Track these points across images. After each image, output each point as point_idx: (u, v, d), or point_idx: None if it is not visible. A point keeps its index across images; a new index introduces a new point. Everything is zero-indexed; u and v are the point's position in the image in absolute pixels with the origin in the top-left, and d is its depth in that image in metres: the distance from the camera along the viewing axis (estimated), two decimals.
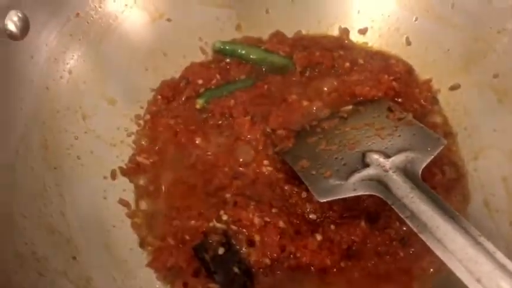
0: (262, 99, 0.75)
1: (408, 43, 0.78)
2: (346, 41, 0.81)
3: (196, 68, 0.78)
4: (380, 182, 0.59)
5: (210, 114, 0.74)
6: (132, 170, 0.70)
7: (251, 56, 0.79)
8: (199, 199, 0.68)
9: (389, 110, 0.70)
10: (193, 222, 0.66)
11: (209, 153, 0.71)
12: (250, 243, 0.64)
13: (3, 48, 0.60)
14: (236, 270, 0.62)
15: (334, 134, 0.69)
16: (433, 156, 0.61)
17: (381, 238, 0.64)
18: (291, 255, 0.63)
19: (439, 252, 0.50)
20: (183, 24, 0.78)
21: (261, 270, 0.63)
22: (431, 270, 0.62)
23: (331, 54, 0.78)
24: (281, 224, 0.64)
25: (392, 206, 0.56)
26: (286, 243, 0.63)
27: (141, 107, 0.75)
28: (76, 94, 0.69)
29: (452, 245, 0.49)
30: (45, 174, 0.62)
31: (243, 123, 0.72)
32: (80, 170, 0.66)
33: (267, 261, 0.63)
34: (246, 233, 0.64)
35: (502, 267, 0.46)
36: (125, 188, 0.69)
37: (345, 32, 0.81)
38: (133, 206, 0.68)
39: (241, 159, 0.70)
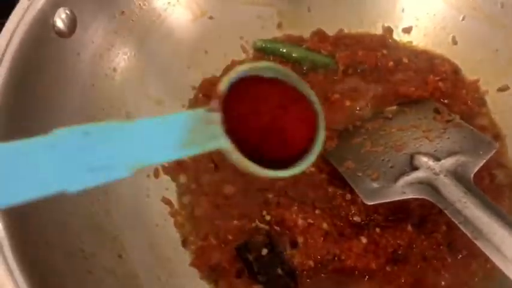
0: None
1: (454, 42, 0.76)
2: (389, 40, 0.79)
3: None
4: (430, 186, 0.58)
5: None
6: (174, 169, 0.70)
7: (292, 55, 0.78)
8: (241, 199, 0.68)
9: (436, 111, 0.69)
10: (235, 222, 0.65)
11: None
12: (294, 244, 0.63)
13: (52, 46, 0.60)
14: (280, 271, 0.62)
15: (379, 135, 0.68)
16: (485, 160, 0.60)
17: (428, 242, 0.63)
18: (336, 258, 0.62)
19: (496, 260, 0.48)
20: (225, 23, 0.77)
21: (305, 272, 0.62)
22: (481, 275, 0.61)
23: (374, 54, 0.77)
24: (325, 225, 0.63)
25: (445, 211, 0.55)
26: (330, 246, 0.62)
27: (183, 105, 0.74)
28: (120, 92, 0.69)
29: (511, 253, 0.48)
30: None
31: None
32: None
33: (311, 263, 0.62)
34: (289, 234, 0.64)
35: None
36: (168, 187, 0.69)
37: (389, 30, 0.80)
38: (175, 205, 0.68)
39: None
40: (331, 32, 0.80)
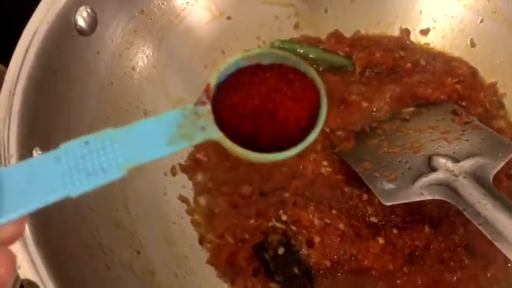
0: None
1: (473, 45, 0.76)
2: (407, 42, 0.79)
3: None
4: (449, 187, 0.58)
5: None
6: (191, 167, 0.70)
7: (309, 56, 0.78)
8: (258, 198, 0.68)
9: (455, 113, 0.68)
10: (252, 221, 0.66)
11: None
12: (310, 244, 0.63)
13: (73, 43, 0.60)
14: (296, 271, 0.62)
15: (396, 136, 0.68)
16: (504, 162, 0.59)
17: (445, 244, 0.63)
18: (352, 258, 0.62)
19: None
20: (243, 23, 0.78)
21: (321, 272, 0.62)
22: (500, 278, 0.60)
23: (391, 55, 0.76)
24: (341, 226, 0.63)
25: (464, 213, 0.55)
26: (346, 246, 0.62)
27: None
28: (139, 90, 0.69)
29: None
30: None
31: None
32: (141, 165, 0.67)
33: (327, 263, 0.62)
34: (306, 234, 0.64)
35: None
36: (185, 185, 0.69)
37: (406, 32, 0.79)
38: (192, 203, 0.68)
39: None
40: (348, 33, 0.80)
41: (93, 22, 0.62)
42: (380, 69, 0.76)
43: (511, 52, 0.73)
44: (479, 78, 0.75)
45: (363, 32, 0.80)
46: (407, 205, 0.63)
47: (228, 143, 0.34)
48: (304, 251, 0.63)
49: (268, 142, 0.36)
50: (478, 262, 0.62)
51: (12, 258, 0.30)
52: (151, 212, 0.64)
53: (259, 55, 0.37)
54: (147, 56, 0.71)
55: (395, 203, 0.60)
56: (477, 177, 0.57)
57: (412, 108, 0.71)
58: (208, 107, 0.35)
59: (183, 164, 0.70)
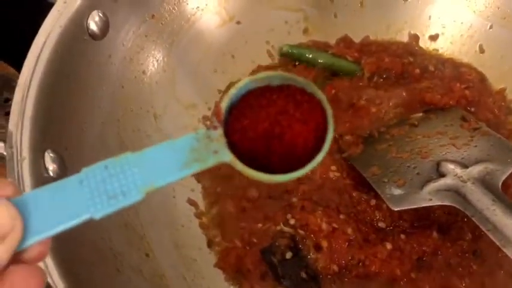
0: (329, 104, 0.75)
1: (482, 51, 0.76)
2: (415, 48, 0.79)
3: (263, 71, 0.78)
4: (457, 193, 0.58)
5: None
6: (200, 171, 0.70)
7: (318, 60, 0.78)
8: (266, 202, 0.68)
9: (463, 119, 0.69)
10: (260, 225, 0.66)
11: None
12: (318, 248, 0.63)
13: (85, 47, 0.61)
14: (304, 275, 0.62)
15: (405, 142, 0.68)
16: None
17: (453, 250, 0.63)
18: (360, 263, 0.62)
19: None
20: (252, 28, 0.78)
21: (329, 276, 0.62)
22: (508, 284, 0.60)
23: (400, 61, 0.77)
24: (349, 230, 0.64)
25: (472, 218, 0.55)
26: (354, 251, 0.62)
27: (209, 108, 0.75)
28: (149, 94, 0.70)
29: None
30: None
31: None
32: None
33: (335, 267, 0.62)
34: (314, 238, 0.64)
35: None
36: (193, 188, 0.69)
37: (415, 38, 0.80)
38: (201, 206, 0.69)
39: None
40: (357, 38, 0.80)
41: (105, 26, 0.63)
42: (389, 75, 0.77)
43: None
44: (488, 84, 0.75)
45: (372, 37, 0.81)
46: (415, 210, 0.63)
47: (239, 166, 0.36)
48: (311, 255, 0.63)
49: (278, 163, 0.37)
50: (486, 268, 0.61)
51: (42, 275, 0.31)
52: (160, 215, 0.65)
53: (268, 78, 0.38)
54: (157, 60, 0.71)
55: (404, 208, 0.60)
56: (486, 183, 0.57)
57: (420, 114, 0.71)
58: (220, 131, 0.36)
59: None
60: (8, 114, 0.66)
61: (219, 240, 0.66)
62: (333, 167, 0.69)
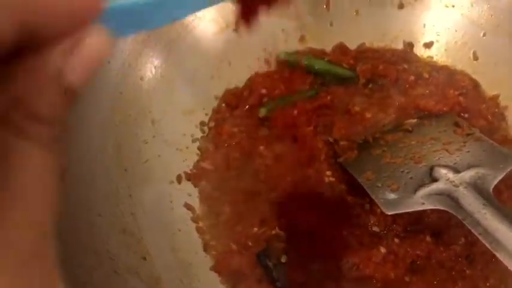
0: (325, 110, 0.76)
1: (475, 58, 0.77)
2: (410, 55, 0.80)
3: (260, 78, 0.79)
4: (449, 197, 0.59)
5: (272, 123, 0.75)
6: (196, 175, 0.72)
7: (315, 67, 0.79)
8: (262, 206, 0.69)
9: (457, 125, 0.69)
10: (256, 229, 0.67)
11: (272, 161, 0.72)
12: (312, 252, 0.64)
13: None
14: (299, 278, 0.63)
15: (399, 147, 0.69)
16: (504, 173, 0.60)
17: (446, 254, 0.63)
18: (354, 267, 0.63)
19: None
20: (249, 35, 0.79)
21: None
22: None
23: (395, 68, 0.78)
24: (344, 234, 0.64)
25: (464, 222, 0.55)
26: (349, 255, 0.63)
27: (206, 114, 0.76)
28: (147, 99, 0.71)
29: None
30: (118, 176, 0.64)
31: (305, 133, 0.73)
32: (148, 173, 0.68)
33: (330, 271, 0.63)
34: (308, 242, 0.65)
35: None
36: (190, 193, 0.70)
37: (410, 45, 0.81)
38: (197, 211, 0.69)
39: None
40: (352, 46, 0.82)
41: None
42: (383, 81, 0.78)
43: None
44: (482, 90, 0.76)
45: (367, 44, 0.82)
46: (409, 215, 0.64)
47: None
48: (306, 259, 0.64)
49: None
50: (479, 272, 0.62)
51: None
52: (157, 219, 0.66)
53: None
54: (155, 67, 0.72)
55: (397, 212, 0.61)
56: (477, 188, 0.58)
57: (414, 120, 0.72)
58: None
59: (189, 172, 0.72)
60: None
61: (215, 244, 0.67)
62: (328, 172, 0.70)
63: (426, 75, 0.77)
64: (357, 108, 0.75)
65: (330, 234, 0.65)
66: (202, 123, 0.76)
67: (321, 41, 0.82)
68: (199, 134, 0.75)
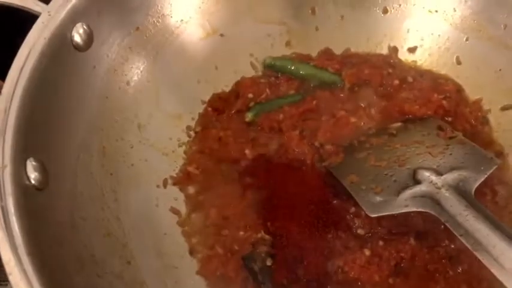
0: (310, 114, 0.76)
1: (458, 62, 0.79)
2: (395, 60, 0.81)
3: (246, 82, 0.79)
4: (432, 200, 0.60)
5: (259, 128, 0.76)
6: (182, 180, 0.72)
7: (300, 72, 0.80)
8: (247, 211, 0.69)
9: (440, 128, 0.70)
10: (241, 233, 0.67)
11: (257, 165, 0.72)
12: (298, 256, 0.64)
13: (69, 59, 0.62)
14: (284, 281, 0.63)
15: (383, 150, 0.70)
16: (486, 176, 0.61)
17: (430, 256, 0.64)
18: (339, 270, 0.63)
19: (495, 271, 0.50)
20: (235, 40, 0.80)
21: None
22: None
23: (380, 72, 0.78)
24: (329, 237, 0.65)
25: (446, 224, 0.56)
26: (334, 257, 0.64)
27: (193, 119, 0.77)
28: (133, 104, 0.71)
29: (509, 264, 0.49)
30: (103, 180, 0.64)
31: (291, 138, 0.73)
32: (134, 177, 0.68)
33: (315, 274, 0.63)
34: (294, 246, 0.65)
35: None
36: (176, 197, 0.71)
37: (394, 50, 0.82)
38: (183, 215, 0.70)
39: None
40: (338, 50, 0.82)
41: (89, 38, 0.64)
42: (369, 86, 0.78)
43: (496, 70, 0.75)
44: (465, 94, 0.77)
45: (352, 49, 0.83)
46: (394, 218, 0.65)
47: None
48: (292, 262, 0.64)
49: None
50: (461, 273, 0.63)
51: None
52: (143, 223, 0.66)
53: None
54: (141, 72, 0.73)
55: (380, 214, 0.61)
56: (459, 190, 0.59)
57: (399, 124, 0.73)
58: None
59: (175, 176, 0.72)
60: None
61: (201, 248, 0.67)
62: (314, 176, 0.71)
63: (410, 79, 0.78)
64: (342, 113, 0.76)
65: (315, 237, 0.65)
66: (188, 128, 0.76)
67: (306, 45, 0.83)
68: (185, 139, 0.75)
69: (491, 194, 0.68)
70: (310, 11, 0.82)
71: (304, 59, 0.82)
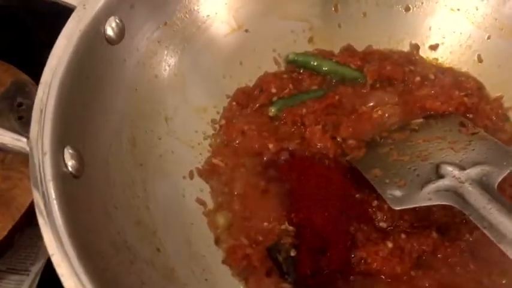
0: (333, 109, 0.78)
1: (480, 60, 0.80)
2: (416, 57, 0.82)
3: (270, 78, 0.81)
4: (455, 193, 0.61)
5: (282, 122, 0.77)
6: (208, 172, 0.73)
7: (323, 68, 0.81)
8: (271, 202, 0.71)
9: (462, 124, 0.71)
10: (266, 224, 0.69)
11: (281, 159, 0.74)
12: (321, 247, 0.66)
13: (102, 51, 0.64)
14: (308, 272, 0.64)
15: (406, 146, 0.71)
16: (509, 170, 0.62)
17: (451, 249, 0.65)
18: (362, 261, 0.65)
19: None
20: (260, 36, 0.82)
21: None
22: (504, 281, 0.63)
23: (401, 69, 0.80)
24: (352, 230, 0.66)
25: (470, 217, 0.57)
26: (357, 249, 0.65)
27: (217, 112, 0.78)
28: (161, 97, 0.73)
29: None
30: (133, 170, 0.66)
31: (314, 132, 0.75)
32: (161, 168, 0.70)
33: (338, 265, 0.65)
34: (317, 237, 0.66)
35: None
36: (202, 188, 0.72)
37: (416, 47, 0.83)
38: (209, 206, 0.71)
39: None
40: (360, 47, 0.84)
41: (121, 32, 0.66)
42: (390, 82, 0.79)
43: None
44: (486, 92, 0.78)
45: (374, 46, 0.84)
46: (415, 211, 0.66)
47: None
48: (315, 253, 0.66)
49: None
50: (483, 267, 0.64)
51: None
52: (171, 213, 0.67)
53: None
54: (169, 65, 0.74)
55: (404, 207, 0.63)
56: (482, 184, 0.60)
57: (421, 120, 0.74)
58: None
59: (201, 168, 0.73)
60: (20, 118, 0.69)
61: (226, 238, 0.69)
62: (337, 170, 0.72)
63: (432, 77, 0.79)
64: (364, 108, 0.77)
65: (338, 229, 0.66)
66: (213, 121, 0.78)
67: (329, 42, 0.84)
68: (211, 132, 0.77)
69: (510, 190, 0.69)
70: (333, 9, 0.84)
71: (327, 55, 0.83)
